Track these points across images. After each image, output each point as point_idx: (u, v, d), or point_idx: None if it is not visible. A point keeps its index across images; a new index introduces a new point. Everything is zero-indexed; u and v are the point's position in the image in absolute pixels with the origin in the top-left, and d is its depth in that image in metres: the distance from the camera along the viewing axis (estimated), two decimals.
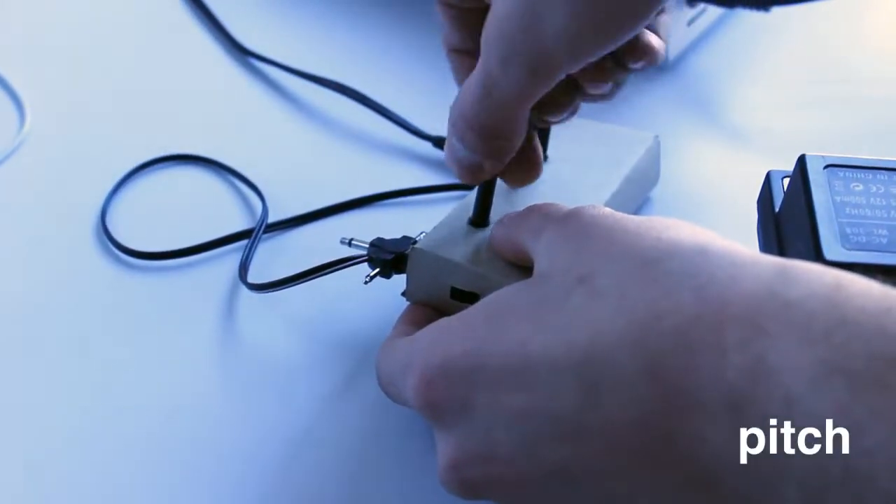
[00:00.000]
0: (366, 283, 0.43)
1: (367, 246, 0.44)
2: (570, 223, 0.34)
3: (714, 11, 0.65)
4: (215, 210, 0.54)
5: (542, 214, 0.37)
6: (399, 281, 0.43)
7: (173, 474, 0.40)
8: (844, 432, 0.24)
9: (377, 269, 0.44)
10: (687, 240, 0.31)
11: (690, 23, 0.63)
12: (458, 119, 0.37)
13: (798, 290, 0.27)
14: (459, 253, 0.41)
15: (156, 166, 0.57)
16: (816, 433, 0.25)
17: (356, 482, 0.40)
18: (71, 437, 0.42)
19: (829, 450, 0.24)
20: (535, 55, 0.34)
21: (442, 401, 0.32)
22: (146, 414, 0.43)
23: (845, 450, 0.24)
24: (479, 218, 0.42)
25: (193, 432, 0.42)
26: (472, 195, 0.43)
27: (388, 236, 0.44)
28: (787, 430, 0.25)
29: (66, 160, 0.58)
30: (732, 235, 0.32)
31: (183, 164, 0.57)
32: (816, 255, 0.34)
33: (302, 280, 0.44)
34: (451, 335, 0.33)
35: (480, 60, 0.35)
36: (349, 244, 0.45)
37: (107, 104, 0.62)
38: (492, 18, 0.34)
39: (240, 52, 0.66)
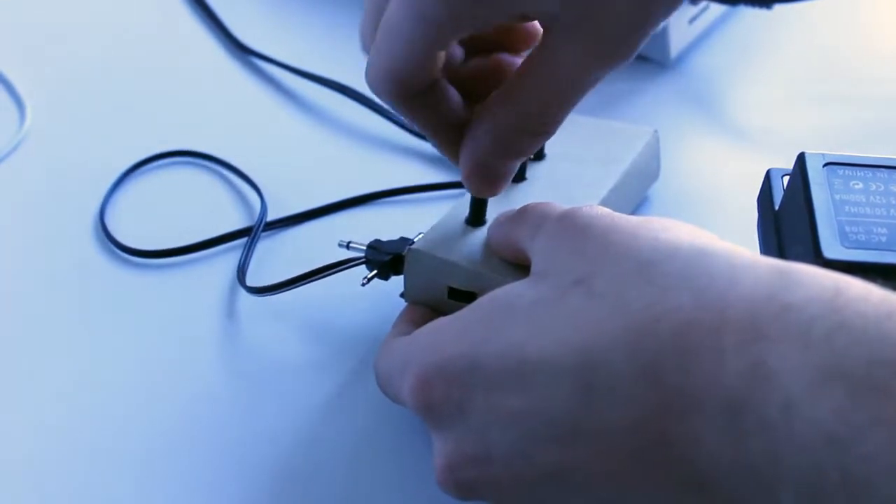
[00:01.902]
0: (363, 284, 0.43)
1: (364, 248, 0.44)
2: (567, 223, 0.34)
3: (716, 9, 0.65)
4: (214, 207, 0.54)
5: (538, 213, 0.36)
6: (397, 281, 0.43)
7: (171, 473, 0.40)
8: (843, 438, 0.24)
9: (375, 271, 0.43)
10: (685, 241, 0.30)
11: (692, 20, 0.62)
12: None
13: (797, 294, 0.27)
14: (456, 253, 0.41)
15: (155, 163, 0.57)
16: (815, 438, 0.24)
17: (354, 483, 0.40)
18: (68, 435, 0.42)
19: (828, 455, 0.24)
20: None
21: (438, 402, 0.32)
22: (144, 412, 0.43)
23: (844, 455, 0.24)
24: (475, 217, 0.42)
25: (192, 431, 0.42)
26: (469, 194, 0.43)
27: (387, 234, 0.44)
28: (786, 434, 0.25)
29: (66, 158, 0.58)
30: (732, 233, 0.32)
31: (182, 161, 0.57)
32: (815, 254, 0.34)
33: (300, 283, 0.44)
34: (448, 336, 0.33)
35: None
36: (347, 247, 0.45)
37: (107, 102, 0.62)
38: None
39: (239, 49, 0.66)
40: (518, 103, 0.36)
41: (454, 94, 0.38)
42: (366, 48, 0.38)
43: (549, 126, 0.37)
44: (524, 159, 0.39)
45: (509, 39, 0.39)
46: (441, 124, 0.38)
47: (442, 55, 0.35)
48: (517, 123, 0.37)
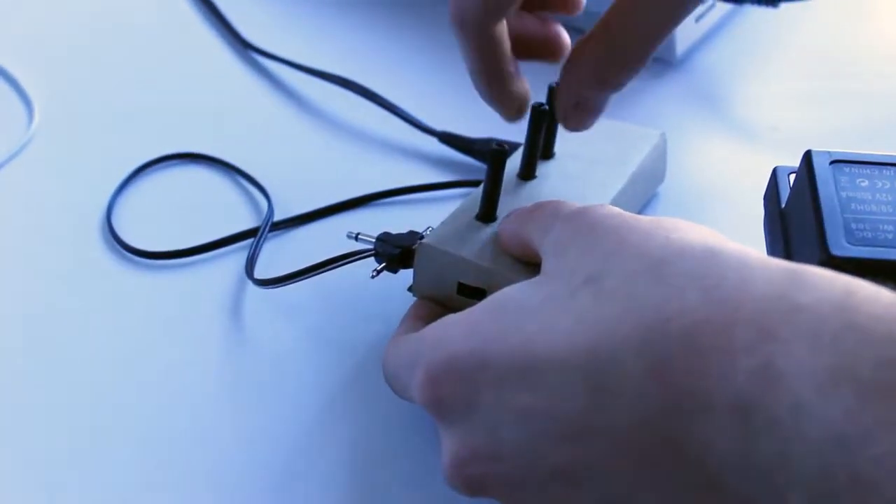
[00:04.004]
0: (373, 277, 0.43)
1: (373, 240, 0.44)
2: (579, 221, 0.34)
3: (722, 7, 0.65)
4: (220, 209, 0.54)
5: (550, 211, 0.36)
6: (405, 275, 0.43)
7: (180, 471, 0.40)
8: (852, 439, 0.24)
9: (384, 264, 0.43)
10: (696, 241, 0.30)
11: (698, 19, 0.62)
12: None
13: (808, 295, 0.27)
14: (466, 248, 0.41)
15: (160, 165, 0.57)
16: (824, 439, 0.24)
17: (360, 478, 0.40)
18: (76, 435, 0.42)
19: (837, 457, 0.24)
20: None
21: (447, 398, 0.32)
22: (152, 413, 0.43)
23: (853, 457, 0.24)
24: (486, 213, 0.42)
25: (201, 431, 0.42)
26: (479, 190, 0.43)
27: (394, 232, 0.44)
28: (795, 435, 0.25)
29: (73, 158, 0.58)
30: (739, 231, 0.32)
31: (188, 162, 0.57)
32: (822, 251, 0.34)
33: (309, 275, 0.44)
34: (458, 332, 0.33)
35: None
36: (356, 238, 0.45)
37: (114, 102, 0.62)
38: None
39: (246, 48, 0.66)
40: (616, 37, 0.39)
41: (509, 41, 0.40)
42: None
43: (644, 58, 0.39)
44: (617, 92, 0.41)
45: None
46: (499, 66, 0.40)
47: None
48: (615, 57, 0.39)
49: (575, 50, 0.41)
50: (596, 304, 0.30)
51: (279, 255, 0.50)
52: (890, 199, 0.36)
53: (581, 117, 0.42)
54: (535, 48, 0.42)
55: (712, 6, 0.63)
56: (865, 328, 0.25)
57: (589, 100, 0.41)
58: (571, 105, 0.41)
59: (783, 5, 0.60)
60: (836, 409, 0.24)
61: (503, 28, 0.39)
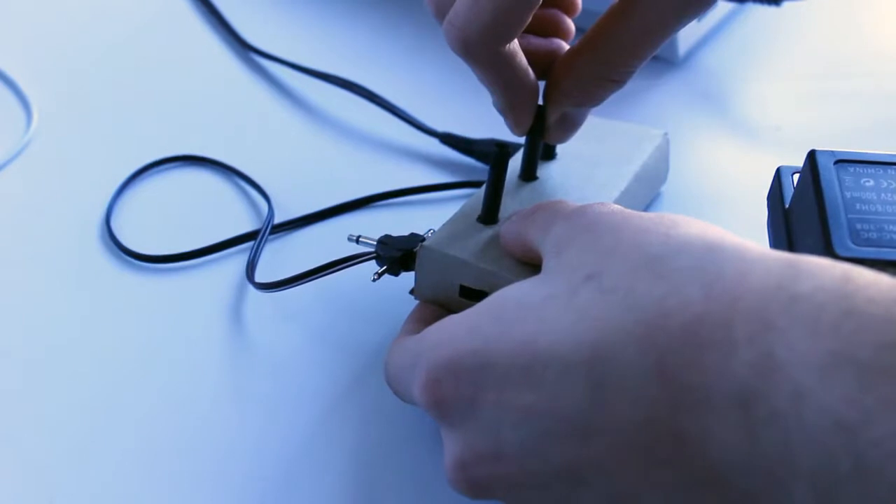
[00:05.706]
0: (374, 280, 0.43)
1: (375, 243, 0.44)
2: (578, 220, 0.34)
3: (725, 6, 0.64)
4: (220, 212, 0.54)
5: (550, 211, 0.36)
6: (407, 278, 0.43)
7: (180, 476, 0.40)
8: (853, 423, 0.24)
9: (385, 267, 0.43)
10: (696, 236, 0.30)
11: (701, 18, 0.62)
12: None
13: (807, 284, 0.27)
14: (468, 251, 0.40)
15: (160, 168, 0.57)
16: (825, 426, 0.24)
17: (363, 482, 0.39)
18: (76, 438, 0.42)
19: (839, 442, 0.24)
20: None
21: (449, 399, 0.32)
22: (153, 418, 0.42)
23: (855, 441, 0.24)
24: (488, 215, 0.42)
25: (202, 434, 0.42)
26: (481, 192, 0.43)
27: (395, 234, 0.44)
28: (796, 424, 0.25)
29: (72, 161, 0.58)
30: (742, 231, 0.32)
31: (187, 165, 0.57)
32: (826, 251, 0.34)
33: (310, 278, 0.44)
34: (458, 333, 0.33)
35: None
36: (357, 241, 0.45)
37: (113, 104, 0.62)
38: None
39: (246, 49, 0.66)
40: (603, 54, 0.39)
41: (523, 55, 0.40)
42: (441, 10, 0.38)
43: (629, 75, 0.40)
44: (596, 106, 0.42)
45: (553, 26, 0.43)
46: (516, 82, 0.40)
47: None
48: (600, 73, 0.40)
49: (557, 69, 0.41)
50: (596, 302, 0.30)
51: (280, 257, 0.50)
52: (895, 199, 0.35)
53: (563, 131, 0.43)
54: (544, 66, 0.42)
55: (715, 5, 0.63)
56: (864, 313, 0.25)
57: (572, 115, 0.42)
58: (555, 121, 0.42)
59: (786, 4, 0.60)
60: (836, 395, 0.24)
61: (516, 49, 0.39)
